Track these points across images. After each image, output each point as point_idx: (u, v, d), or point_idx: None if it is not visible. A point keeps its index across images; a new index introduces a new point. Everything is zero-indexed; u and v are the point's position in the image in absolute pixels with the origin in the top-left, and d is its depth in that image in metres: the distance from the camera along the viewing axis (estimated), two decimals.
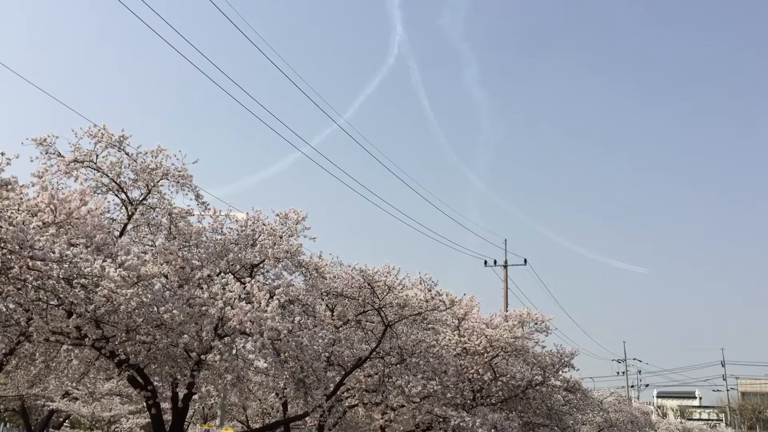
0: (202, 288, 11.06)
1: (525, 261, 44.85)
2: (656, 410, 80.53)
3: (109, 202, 12.39)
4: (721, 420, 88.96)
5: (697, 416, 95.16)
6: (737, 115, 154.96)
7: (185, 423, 15.57)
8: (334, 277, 15.03)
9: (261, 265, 12.91)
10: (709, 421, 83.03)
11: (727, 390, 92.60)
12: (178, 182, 12.66)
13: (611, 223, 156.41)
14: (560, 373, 21.16)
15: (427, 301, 15.38)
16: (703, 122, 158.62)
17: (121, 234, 12.39)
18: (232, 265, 12.32)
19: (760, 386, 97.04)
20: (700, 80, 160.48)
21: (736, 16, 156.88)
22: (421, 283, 15.46)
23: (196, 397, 13.22)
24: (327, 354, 13.82)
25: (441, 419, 16.41)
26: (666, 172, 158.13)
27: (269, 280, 12.80)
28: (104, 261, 9.48)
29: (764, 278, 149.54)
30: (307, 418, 14.83)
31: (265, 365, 12.42)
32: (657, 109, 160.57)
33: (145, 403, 13.09)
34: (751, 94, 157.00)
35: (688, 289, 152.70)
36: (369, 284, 14.70)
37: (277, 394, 15.82)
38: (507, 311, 23.85)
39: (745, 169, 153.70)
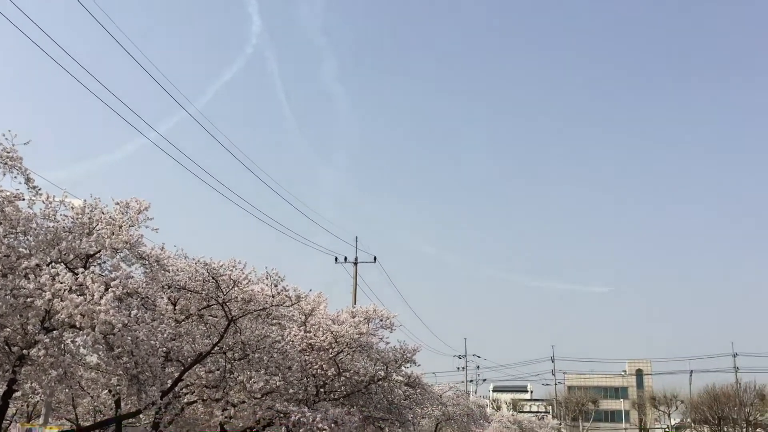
0: (28, 278, 10.33)
1: (375, 258, 45.94)
2: (491, 403, 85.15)
3: None
4: (549, 412, 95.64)
5: (528, 409, 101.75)
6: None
7: (6, 422, 14.48)
8: (178, 270, 14.59)
9: (97, 255, 12.27)
10: (538, 413, 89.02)
11: (555, 384, 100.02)
12: (5, 164, 11.72)
13: (468, 226, 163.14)
14: (402, 368, 21.81)
15: (273, 297, 15.33)
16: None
17: None
18: (65, 254, 11.59)
19: (584, 381, 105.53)
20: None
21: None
22: (267, 278, 15.38)
23: (18, 394, 12.33)
24: (166, 349, 13.39)
25: (282, 415, 16.38)
26: (498, 164, 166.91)
27: (106, 272, 12.19)
28: None
29: (592, 279, 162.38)
30: (141, 416, 14.28)
31: (97, 361, 11.83)
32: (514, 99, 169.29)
33: None
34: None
35: (523, 289, 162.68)
36: (213, 278, 14.41)
37: (110, 391, 15.11)
38: (354, 308, 24.25)
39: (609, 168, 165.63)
